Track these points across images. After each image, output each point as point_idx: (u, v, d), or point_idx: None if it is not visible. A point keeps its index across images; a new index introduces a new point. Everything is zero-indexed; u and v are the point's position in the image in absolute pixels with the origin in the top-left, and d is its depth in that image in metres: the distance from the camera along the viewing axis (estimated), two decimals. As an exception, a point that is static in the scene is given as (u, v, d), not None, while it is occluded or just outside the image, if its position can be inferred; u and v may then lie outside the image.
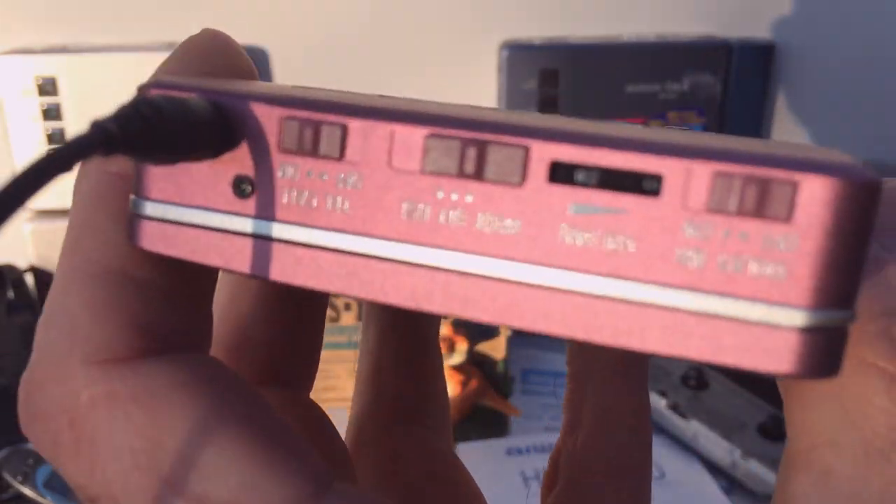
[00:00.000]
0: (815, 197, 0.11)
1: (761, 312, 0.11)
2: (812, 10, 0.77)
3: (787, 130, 0.79)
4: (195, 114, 0.13)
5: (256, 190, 0.13)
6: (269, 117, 0.13)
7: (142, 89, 0.14)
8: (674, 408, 0.67)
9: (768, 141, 0.14)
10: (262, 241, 0.13)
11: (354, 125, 0.13)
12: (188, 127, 0.12)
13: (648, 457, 0.21)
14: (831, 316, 0.11)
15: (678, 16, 0.77)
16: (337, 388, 0.71)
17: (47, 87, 0.70)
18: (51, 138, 0.71)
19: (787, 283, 0.11)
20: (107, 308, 0.14)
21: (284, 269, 0.13)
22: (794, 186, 0.11)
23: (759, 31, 0.78)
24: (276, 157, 0.13)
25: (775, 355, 0.11)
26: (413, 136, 0.12)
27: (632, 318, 0.12)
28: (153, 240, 0.14)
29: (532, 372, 0.76)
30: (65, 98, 0.70)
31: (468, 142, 0.12)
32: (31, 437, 0.14)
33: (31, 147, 0.71)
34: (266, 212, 0.13)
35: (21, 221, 0.72)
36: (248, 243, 0.13)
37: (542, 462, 0.21)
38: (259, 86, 0.15)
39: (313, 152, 0.13)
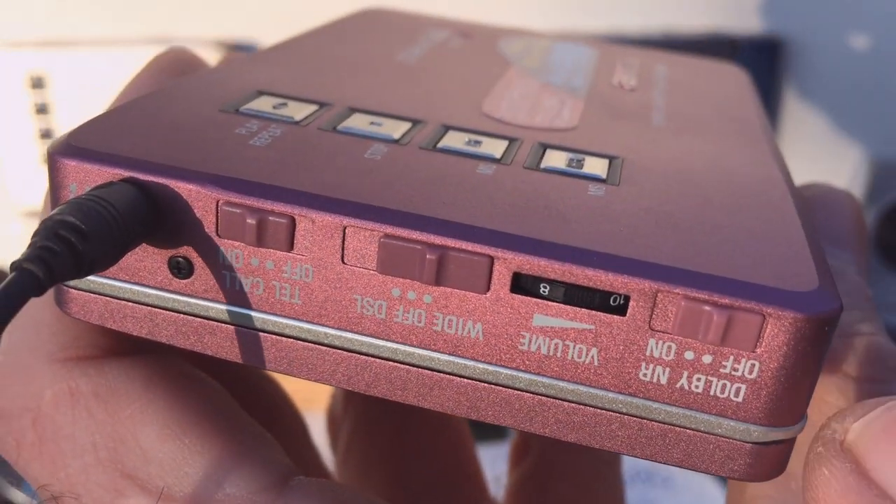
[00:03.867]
0: (780, 331, 0.11)
1: (718, 427, 0.12)
2: (820, 3, 0.76)
3: (796, 129, 0.78)
4: (121, 213, 0.11)
5: (195, 272, 0.12)
6: (203, 202, 0.12)
7: (52, 154, 0.12)
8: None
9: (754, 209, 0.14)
10: (205, 321, 0.13)
11: (302, 220, 0.12)
12: (117, 231, 0.11)
13: None
14: (784, 431, 0.12)
15: (682, 10, 0.76)
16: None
17: (39, 82, 0.69)
18: (43, 134, 0.70)
19: (744, 403, 0.11)
20: None
21: (228, 349, 0.13)
22: (762, 321, 0.11)
23: (765, 25, 0.77)
24: (216, 242, 0.12)
25: (729, 464, 0.12)
26: (367, 237, 0.12)
27: (595, 422, 0.12)
28: (82, 310, 0.13)
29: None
30: (57, 93, 0.69)
31: (428, 247, 0.11)
32: None
33: (23, 143, 0.70)
34: (208, 293, 0.12)
35: (12, 223, 0.71)
36: (188, 322, 0.13)
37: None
38: (198, 130, 0.14)
39: (258, 242, 0.12)
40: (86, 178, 0.12)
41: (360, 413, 0.21)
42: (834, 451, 0.11)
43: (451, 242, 0.11)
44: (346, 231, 0.12)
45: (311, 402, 0.21)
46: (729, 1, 0.76)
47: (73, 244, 0.11)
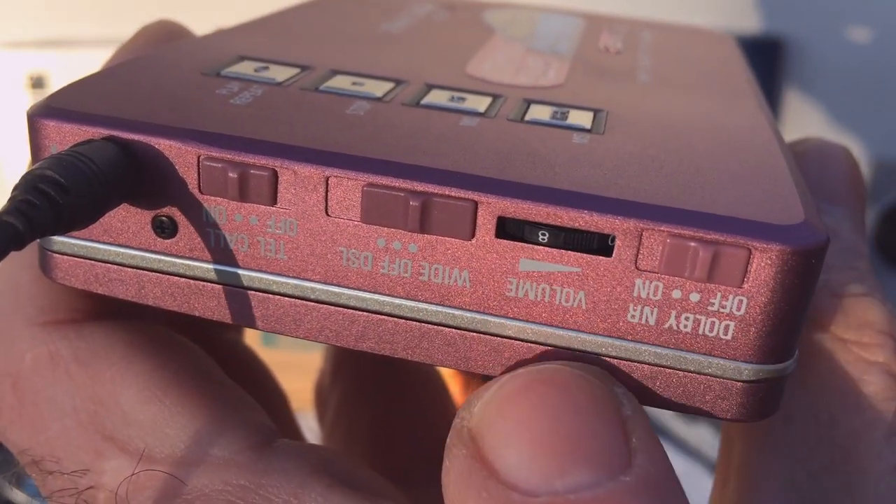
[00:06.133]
0: (766, 265, 0.11)
1: (708, 366, 0.12)
2: (820, 3, 0.76)
3: (795, 129, 0.78)
4: (101, 169, 0.11)
5: (179, 231, 0.12)
6: (184, 158, 0.12)
7: (31, 116, 0.12)
8: (679, 412, 0.66)
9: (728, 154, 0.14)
10: (191, 281, 0.12)
11: (284, 172, 0.12)
12: (97, 186, 0.11)
13: None
14: (774, 369, 0.12)
15: (681, 9, 0.76)
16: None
17: (39, 82, 0.69)
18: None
19: (734, 340, 0.11)
20: None
21: (215, 309, 0.13)
22: (748, 255, 0.11)
23: (765, 25, 0.76)
24: (199, 199, 0.12)
25: (720, 403, 0.12)
26: (350, 186, 0.11)
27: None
28: (67, 275, 0.13)
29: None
30: (57, 94, 0.69)
31: (411, 194, 0.11)
32: None
33: (23, 143, 0.70)
34: (193, 252, 0.12)
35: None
36: (174, 282, 0.12)
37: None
38: (180, 84, 0.14)
39: (241, 197, 0.12)
40: (65, 138, 0.12)
41: (349, 385, 0.22)
42: (458, 439, 0.11)
43: (433, 188, 0.11)
44: (329, 182, 0.11)
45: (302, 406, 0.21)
46: (729, 1, 0.76)
47: (53, 197, 0.11)
